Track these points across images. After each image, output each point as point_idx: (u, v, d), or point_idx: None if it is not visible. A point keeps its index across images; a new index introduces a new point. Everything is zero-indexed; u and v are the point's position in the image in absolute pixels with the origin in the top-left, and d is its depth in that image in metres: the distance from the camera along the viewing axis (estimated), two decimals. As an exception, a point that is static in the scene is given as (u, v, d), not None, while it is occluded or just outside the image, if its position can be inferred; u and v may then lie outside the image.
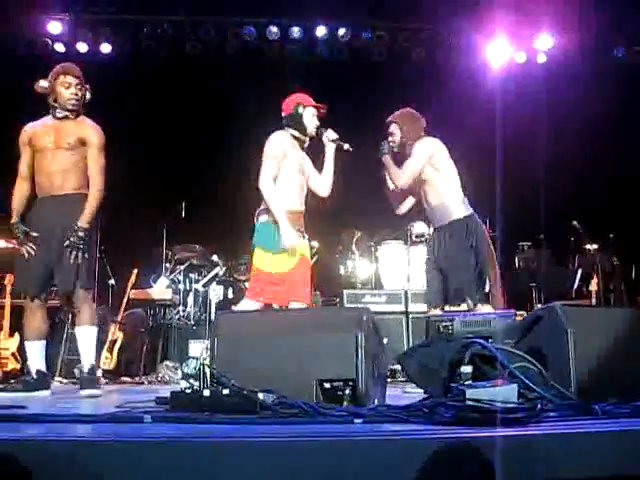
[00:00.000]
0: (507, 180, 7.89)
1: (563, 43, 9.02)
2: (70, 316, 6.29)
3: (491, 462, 2.03)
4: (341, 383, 2.98)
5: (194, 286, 7.63)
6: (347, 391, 2.96)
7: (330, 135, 4.82)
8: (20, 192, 4.60)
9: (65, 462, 2.05)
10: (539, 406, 2.55)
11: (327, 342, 3.06)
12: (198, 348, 6.38)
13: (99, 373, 4.76)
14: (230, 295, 7.29)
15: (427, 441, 2.10)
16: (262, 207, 4.71)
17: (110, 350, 6.24)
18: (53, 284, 4.59)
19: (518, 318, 3.79)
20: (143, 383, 5.91)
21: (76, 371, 4.58)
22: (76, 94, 4.57)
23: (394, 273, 7.23)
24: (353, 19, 9.04)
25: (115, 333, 6.30)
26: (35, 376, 4.46)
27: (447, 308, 4.96)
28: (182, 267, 7.66)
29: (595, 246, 7.70)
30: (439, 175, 4.93)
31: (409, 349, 3.79)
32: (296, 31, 8.95)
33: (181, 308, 7.45)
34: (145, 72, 8.79)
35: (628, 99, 8.50)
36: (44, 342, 4.58)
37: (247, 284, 7.51)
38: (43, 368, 4.54)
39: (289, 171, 4.72)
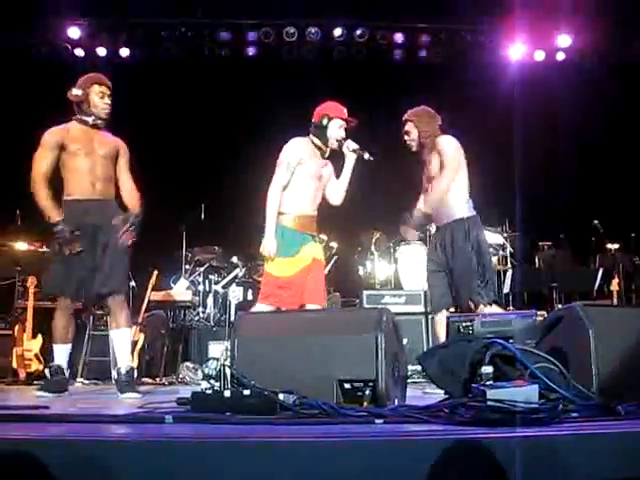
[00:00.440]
0: (527, 180, 7.86)
1: (582, 41, 8.97)
2: (92, 318, 6.36)
3: (512, 463, 2.02)
4: (361, 384, 2.99)
5: (214, 287, 7.65)
6: (367, 392, 2.96)
7: (350, 145, 4.81)
8: (48, 191, 4.57)
9: (87, 462, 2.06)
10: (560, 407, 2.53)
11: (347, 343, 3.07)
12: (218, 349, 6.39)
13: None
14: (250, 296, 7.29)
15: (448, 441, 2.09)
16: None
17: (131, 351, 6.26)
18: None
19: (539, 318, 3.76)
20: (164, 384, 5.94)
21: (114, 373, 4.60)
22: (109, 104, 4.68)
23: (413, 274, 7.20)
24: (370, 19, 9.04)
25: (136, 335, 6.33)
26: (61, 376, 4.51)
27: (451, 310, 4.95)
28: (202, 269, 7.69)
29: (616, 246, 7.64)
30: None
31: (429, 349, 3.78)
32: (313, 32, 8.96)
33: (201, 309, 7.48)
34: (164, 75, 8.83)
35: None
36: (70, 345, 4.63)
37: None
38: (66, 371, 4.60)
39: (304, 176, 4.71)
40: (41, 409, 3.16)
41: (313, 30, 8.96)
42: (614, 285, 7.16)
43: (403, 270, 7.30)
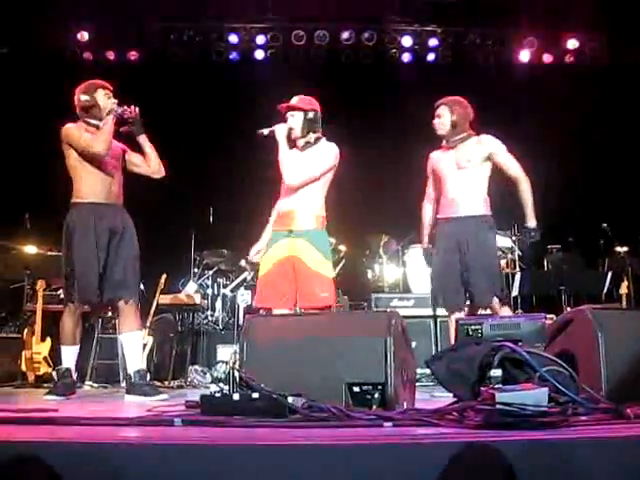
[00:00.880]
0: (535, 182, 7.84)
1: (590, 43, 8.95)
2: (100, 321, 6.38)
3: (521, 466, 2.02)
4: (370, 387, 2.98)
5: (222, 291, 7.67)
6: (376, 395, 2.96)
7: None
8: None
9: (96, 464, 2.07)
10: (570, 410, 2.53)
11: (356, 346, 3.06)
12: (226, 352, 6.41)
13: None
14: (258, 300, 7.30)
15: (457, 445, 2.08)
16: None
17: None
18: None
19: (548, 321, 3.76)
20: (172, 387, 5.95)
21: (131, 375, 4.59)
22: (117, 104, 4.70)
23: (421, 277, 7.19)
24: (378, 22, 9.05)
25: (144, 338, 6.35)
26: (70, 379, 4.53)
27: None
28: (210, 272, 7.71)
29: (625, 249, 7.61)
30: (485, 168, 4.93)
31: (438, 352, 3.78)
32: (321, 35, 8.98)
33: (209, 313, 7.50)
34: (172, 78, 8.85)
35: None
36: (78, 347, 4.65)
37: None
38: (74, 373, 4.61)
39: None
40: (50, 412, 3.17)
41: (321, 34, 8.98)
42: (623, 288, 7.14)
43: (411, 273, 7.31)
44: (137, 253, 4.67)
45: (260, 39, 9.04)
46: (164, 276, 6.65)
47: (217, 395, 2.95)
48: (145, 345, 6.27)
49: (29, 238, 7.20)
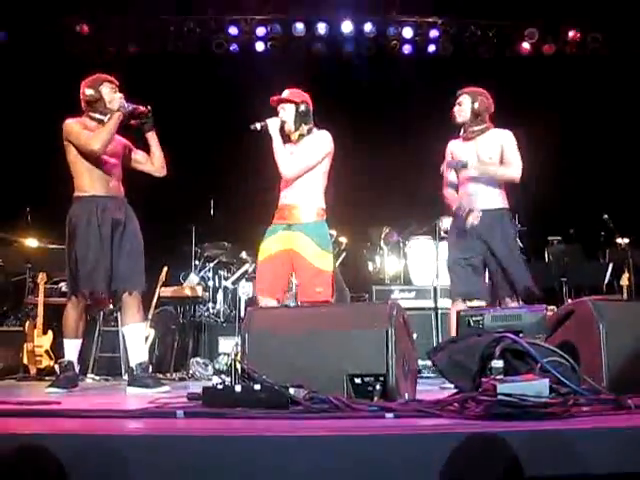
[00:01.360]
0: (536, 174, 7.84)
1: (591, 35, 8.93)
2: (102, 314, 6.39)
3: (522, 457, 2.02)
4: (372, 378, 2.99)
5: (223, 283, 7.67)
6: (377, 386, 2.96)
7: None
8: None
9: (98, 456, 2.08)
10: (571, 401, 2.53)
11: (357, 337, 3.07)
12: (228, 345, 6.41)
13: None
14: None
15: (458, 436, 2.09)
16: None
17: (141, 347, 6.30)
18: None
19: (549, 313, 3.76)
20: (174, 379, 5.96)
21: (133, 367, 4.60)
22: (122, 98, 4.69)
23: (423, 269, 7.20)
24: (378, 14, 9.03)
25: (146, 330, 6.36)
26: (72, 372, 4.54)
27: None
28: (211, 264, 7.71)
29: (626, 240, 7.60)
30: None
31: (439, 344, 3.79)
32: (322, 27, 8.96)
33: (211, 305, 7.50)
34: (173, 72, 8.84)
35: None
36: (81, 340, 4.66)
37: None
38: (76, 366, 4.63)
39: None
40: (53, 404, 3.18)
41: (322, 25, 8.96)
42: (624, 280, 7.14)
43: (413, 265, 7.30)
44: (141, 245, 4.67)
45: (260, 31, 9.01)
46: (165, 269, 6.65)
47: (219, 387, 2.96)
48: (147, 338, 6.28)
49: (30, 231, 7.21)
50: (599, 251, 7.89)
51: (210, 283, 7.63)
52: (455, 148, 5.03)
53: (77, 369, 4.66)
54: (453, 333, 4.53)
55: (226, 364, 3.09)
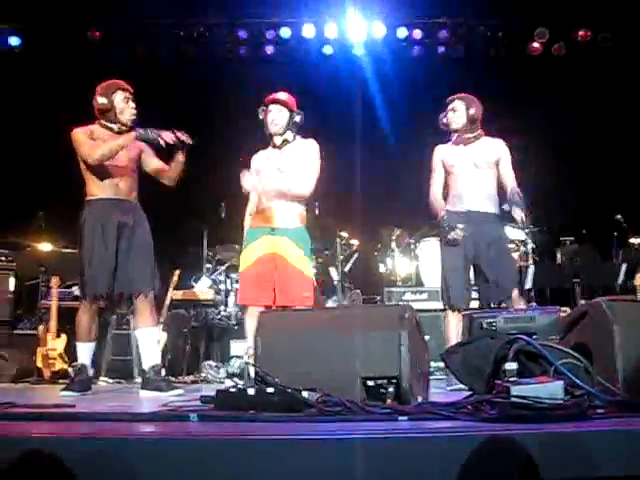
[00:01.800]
0: (548, 174, 7.82)
1: (601, 35, 8.89)
2: (115, 317, 6.40)
3: (537, 459, 2.02)
4: (385, 381, 2.99)
5: (235, 286, 7.66)
6: (390, 389, 2.96)
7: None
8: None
9: (112, 460, 2.09)
10: (585, 403, 2.52)
11: (370, 340, 3.07)
12: (240, 348, 6.41)
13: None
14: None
15: (472, 438, 2.08)
16: None
17: (154, 350, 6.30)
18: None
19: (562, 314, 3.74)
20: (186, 382, 5.96)
21: (146, 370, 4.62)
22: (135, 108, 4.73)
23: (434, 270, 7.16)
24: (385, 16, 9.01)
25: (159, 334, 6.37)
26: (85, 376, 4.55)
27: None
28: (223, 267, 7.71)
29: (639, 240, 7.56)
30: (496, 170, 4.99)
31: (452, 346, 3.77)
32: (330, 30, 8.95)
33: (222, 308, 7.49)
34: (182, 75, 8.86)
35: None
36: (94, 343, 4.68)
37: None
38: (90, 369, 4.64)
39: (257, 173, 4.80)
40: (67, 408, 3.19)
41: (330, 27, 8.95)
42: (638, 280, 7.08)
43: (424, 267, 7.28)
44: (150, 248, 4.66)
45: (269, 34, 9.01)
46: (177, 272, 6.67)
47: (232, 390, 2.97)
48: (159, 341, 6.30)
49: (44, 235, 7.24)
50: (612, 251, 7.84)
51: (222, 286, 7.63)
52: (446, 154, 5.05)
53: (90, 372, 4.68)
54: (453, 341, 4.56)
55: (239, 367, 3.09)
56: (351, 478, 2.03)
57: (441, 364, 4.80)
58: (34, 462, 2.05)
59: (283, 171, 4.70)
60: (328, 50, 9.12)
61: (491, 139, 5.02)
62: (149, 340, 4.65)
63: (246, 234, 4.79)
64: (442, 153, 5.08)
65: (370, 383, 3.01)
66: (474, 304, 5.27)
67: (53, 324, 6.16)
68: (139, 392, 4.51)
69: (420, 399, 3.09)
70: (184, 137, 4.64)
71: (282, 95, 4.79)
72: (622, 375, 2.95)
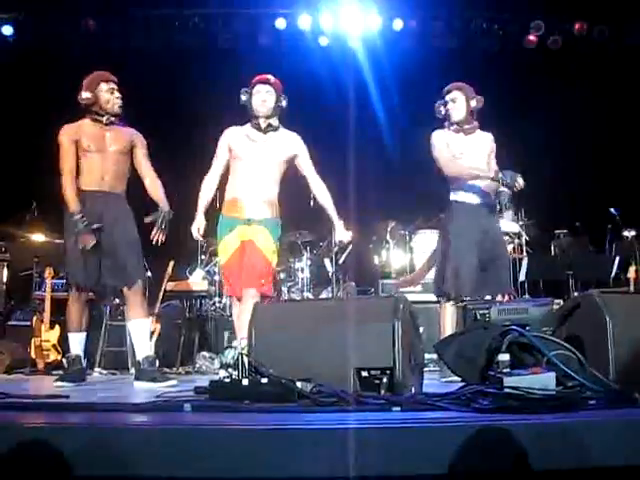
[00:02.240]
0: (542, 167, 7.82)
1: (598, 28, 8.89)
2: (109, 309, 6.40)
3: (529, 450, 2.03)
4: (378, 372, 3.00)
5: (225, 278, 7.67)
6: (384, 380, 2.97)
7: None
8: (73, 185, 4.64)
9: (107, 450, 2.09)
10: (578, 394, 2.53)
11: (364, 331, 3.07)
12: (234, 339, 6.42)
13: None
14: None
15: (465, 428, 2.10)
16: None
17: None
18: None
19: (555, 306, 3.76)
20: (180, 373, 5.98)
21: (140, 362, 4.63)
22: (120, 98, 4.72)
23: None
24: (383, 10, 9.00)
25: (152, 325, 6.37)
26: (79, 366, 4.56)
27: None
28: (217, 258, 7.71)
29: (633, 233, 7.58)
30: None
31: (446, 337, 3.78)
32: (327, 20, 8.94)
33: (217, 299, 7.51)
34: (177, 66, 8.83)
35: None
36: (85, 334, 4.68)
37: (282, 274, 7.57)
38: (83, 360, 4.65)
39: (233, 161, 4.74)
40: (61, 398, 3.19)
41: (326, 19, 8.94)
42: (631, 272, 7.11)
43: (418, 259, 7.30)
44: (134, 239, 4.64)
45: (266, 24, 8.99)
46: (171, 263, 6.66)
47: (226, 381, 2.97)
48: (153, 332, 6.30)
49: (37, 226, 7.23)
50: (606, 244, 7.86)
51: (216, 277, 7.63)
52: (451, 139, 4.96)
53: (84, 363, 4.68)
54: (449, 331, 4.55)
55: (233, 358, 3.09)
56: (345, 468, 2.04)
57: (435, 356, 4.81)
58: (28, 452, 2.05)
59: (268, 163, 4.68)
60: (324, 41, 9.12)
61: (485, 133, 5.02)
62: (141, 331, 4.65)
63: (220, 224, 4.71)
64: (447, 138, 4.96)
65: (364, 374, 3.02)
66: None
67: (47, 315, 6.17)
68: (133, 383, 4.51)
69: (414, 390, 3.10)
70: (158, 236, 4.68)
71: (271, 77, 4.77)
72: (614, 366, 2.97)
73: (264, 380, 2.83)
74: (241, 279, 4.54)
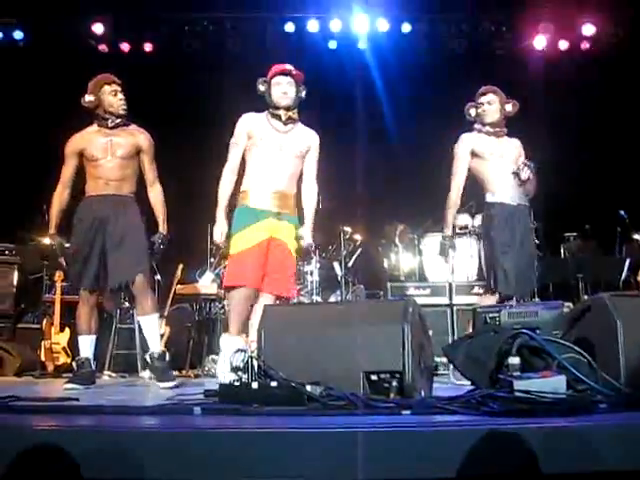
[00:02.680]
0: (551, 169, 7.79)
1: (607, 30, 8.86)
2: (118, 312, 6.42)
3: (539, 453, 2.02)
4: (388, 375, 2.99)
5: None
6: (394, 383, 2.96)
7: None
8: (60, 199, 4.78)
9: (116, 452, 2.09)
10: (588, 397, 2.52)
11: (374, 334, 3.07)
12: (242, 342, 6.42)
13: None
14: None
15: (475, 432, 2.09)
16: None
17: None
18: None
19: (565, 309, 3.75)
20: (190, 376, 5.98)
21: (147, 358, 4.70)
22: (124, 99, 4.75)
23: (438, 265, 7.18)
24: (393, 12, 9.00)
25: (162, 327, 6.37)
26: (89, 369, 4.58)
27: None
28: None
29: (643, 235, 7.56)
30: None
31: (456, 340, 3.78)
32: (334, 25, 8.95)
33: (226, 302, 7.50)
34: (187, 70, 8.86)
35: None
36: (95, 336, 4.70)
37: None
38: (93, 362, 4.66)
39: (258, 150, 4.58)
40: (71, 401, 3.20)
41: (334, 23, 8.95)
42: (641, 275, 7.09)
43: (427, 262, 7.29)
44: (137, 235, 4.66)
45: (275, 28, 9.01)
46: (181, 266, 6.68)
47: (236, 384, 2.97)
48: (162, 335, 6.31)
49: (46, 229, 7.23)
50: (615, 247, 7.83)
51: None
52: (480, 142, 4.99)
53: (93, 366, 4.70)
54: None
55: (242, 361, 3.08)
56: (354, 472, 2.04)
57: (445, 359, 4.80)
58: (38, 455, 2.06)
59: (287, 155, 4.58)
60: (332, 45, 9.12)
61: (510, 138, 5.06)
62: (148, 327, 4.70)
63: (242, 213, 4.55)
64: (473, 141, 5.01)
65: (373, 377, 3.01)
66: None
67: (57, 318, 6.19)
68: (140, 372, 4.58)
69: (423, 393, 3.09)
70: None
71: (291, 68, 4.63)
72: (625, 370, 2.95)
73: (273, 383, 2.83)
74: (262, 273, 4.42)
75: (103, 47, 8.94)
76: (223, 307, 7.43)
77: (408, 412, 2.54)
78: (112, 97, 4.71)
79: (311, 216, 4.71)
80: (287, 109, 4.57)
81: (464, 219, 7.20)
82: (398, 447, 2.08)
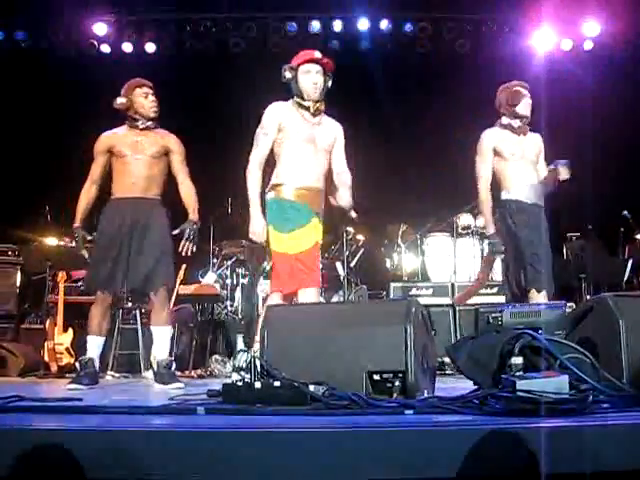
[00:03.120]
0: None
1: (610, 29, 8.86)
2: (121, 312, 6.43)
3: (542, 453, 2.02)
4: (391, 375, 2.99)
5: (241, 281, 7.68)
6: (397, 383, 2.97)
7: None
8: (88, 195, 4.79)
9: (120, 452, 2.10)
10: (591, 397, 2.52)
11: (377, 334, 3.07)
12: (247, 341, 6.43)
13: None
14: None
15: (478, 432, 2.09)
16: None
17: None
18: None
19: (568, 309, 3.75)
20: (193, 377, 5.99)
21: (153, 362, 4.74)
22: (155, 102, 4.81)
23: (440, 265, 7.20)
24: (395, 11, 9.00)
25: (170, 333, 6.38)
26: (93, 369, 4.59)
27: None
28: (229, 262, 7.72)
29: (646, 236, 7.56)
30: None
31: (458, 340, 3.78)
32: (338, 25, 8.96)
33: (229, 303, 7.52)
34: (190, 70, 8.87)
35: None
36: (104, 339, 4.73)
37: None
38: (97, 363, 4.68)
39: (292, 142, 4.27)
40: (74, 401, 3.21)
41: (337, 23, 8.95)
42: (644, 275, 7.10)
43: (430, 262, 7.30)
44: (166, 246, 4.70)
45: (277, 29, 9.01)
46: (183, 267, 6.67)
47: (239, 384, 2.98)
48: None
49: (50, 230, 7.27)
50: (618, 247, 7.83)
51: (228, 281, 7.65)
52: (502, 139, 4.97)
53: (97, 366, 4.71)
54: None
55: (245, 361, 3.09)
56: (357, 472, 2.04)
57: (447, 359, 4.81)
58: (41, 455, 2.06)
59: (320, 149, 4.31)
60: (335, 45, 9.12)
61: (532, 133, 5.08)
62: (160, 338, 4.74)
63: (290, 208, 4.19)
64: (496, 138, 4.98)
65: (376, 377, 3.01)
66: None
67: (60, 319, 6.20)
68: (154, 385, 4.62)
69: (426, 393, 3.09)
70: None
71: (321, 55, 4.28)
72: (627, 370, 2.95)
73: (277, 383, 2.84)
74: (313, 273, 4.20)
75: (105, 47, 8.95)
76: (226, 307, 7.45)
77: (411, 412, 2.54)
78: (143, 99, 4.77)
79: (350, 192, 4.43)
80: (316, 101, 4.30)
81: (467, 219, 7.21)
82: (401, 447, 2.08)
